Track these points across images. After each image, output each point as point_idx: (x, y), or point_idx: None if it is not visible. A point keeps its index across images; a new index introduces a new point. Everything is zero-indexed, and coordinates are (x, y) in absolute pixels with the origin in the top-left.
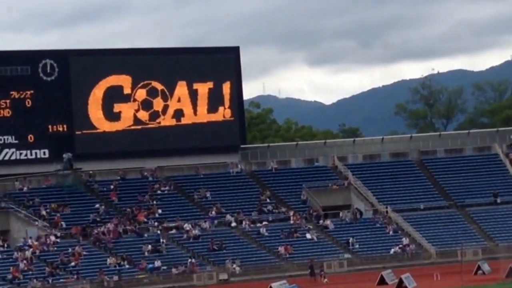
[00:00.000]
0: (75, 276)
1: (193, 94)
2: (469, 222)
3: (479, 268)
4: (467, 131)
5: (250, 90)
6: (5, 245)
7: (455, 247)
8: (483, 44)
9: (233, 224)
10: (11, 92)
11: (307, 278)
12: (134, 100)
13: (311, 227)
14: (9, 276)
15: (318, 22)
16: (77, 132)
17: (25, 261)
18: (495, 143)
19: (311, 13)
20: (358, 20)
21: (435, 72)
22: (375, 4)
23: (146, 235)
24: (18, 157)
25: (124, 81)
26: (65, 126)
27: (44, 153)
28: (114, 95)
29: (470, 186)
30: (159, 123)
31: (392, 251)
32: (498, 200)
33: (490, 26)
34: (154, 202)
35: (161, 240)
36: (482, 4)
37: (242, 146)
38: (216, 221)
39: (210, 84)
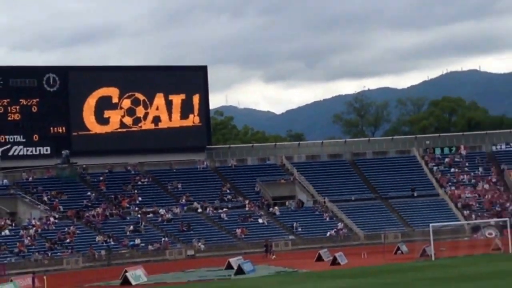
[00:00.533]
0: (70, 251)
1: (169, 104)
2: (391, 211)
3: (398, 249)
4: (391, 137)
5: (215, 101)
6: (13, 225)
7: (379, 231)
8: (405, 67)
9: (199, 210)
10: (20, 100)
11: (260, 255)
12: (121, 108)
13: (262, 213)
14: (16, 250)
15: (273, 47)
16: (73, 133)
17: (29, 238)
18: (414, 147)
19: (267, 39)
20: (305, 46)
21: (366, 89)
22: (319, 33)
23: (128, 218)
24: (25, 153)
25: (112, 92)
26: (64, 128)
27: (46, 150)
28: (104, 104)
29: (392, 182)
30: (141, 127)
31: (328, 234)
32: (415, 194)
33: (412, 53)
34: (135, 191)
35: (141, 222)
36: (405, 34)
37: (207, 146)
38: (185, 207)
39: (182, 96)
